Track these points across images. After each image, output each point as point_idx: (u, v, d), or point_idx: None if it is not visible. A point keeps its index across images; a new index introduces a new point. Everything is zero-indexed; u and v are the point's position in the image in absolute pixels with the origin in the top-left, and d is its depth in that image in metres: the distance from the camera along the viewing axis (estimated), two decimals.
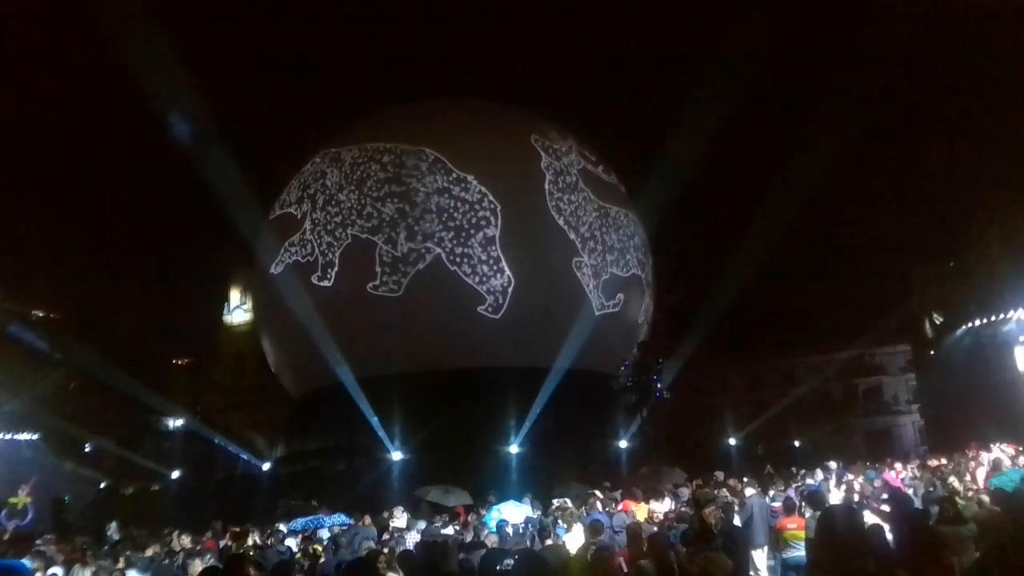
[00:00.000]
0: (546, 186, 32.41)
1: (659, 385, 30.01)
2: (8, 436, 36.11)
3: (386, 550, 11.51)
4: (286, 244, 33.21)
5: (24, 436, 37.26)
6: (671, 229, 39.32)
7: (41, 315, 47.27)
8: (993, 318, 31.82)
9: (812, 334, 50.75)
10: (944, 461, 18.77)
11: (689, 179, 33.80)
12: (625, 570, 8.30)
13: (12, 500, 26.80)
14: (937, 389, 39.24)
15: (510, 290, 30.66)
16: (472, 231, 30.82)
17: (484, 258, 30.69)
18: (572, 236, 32.18)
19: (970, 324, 33.89)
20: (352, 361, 29.35)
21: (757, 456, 33.00)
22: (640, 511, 13.42)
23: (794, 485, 15.39)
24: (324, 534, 14.80)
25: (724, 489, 15.30)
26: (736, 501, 13.26)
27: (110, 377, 35.75)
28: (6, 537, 21.93)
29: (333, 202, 32.21)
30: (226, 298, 57.27)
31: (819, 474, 16.99)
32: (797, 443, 39.90)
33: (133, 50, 28.49)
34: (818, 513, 8.72)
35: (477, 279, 30.57)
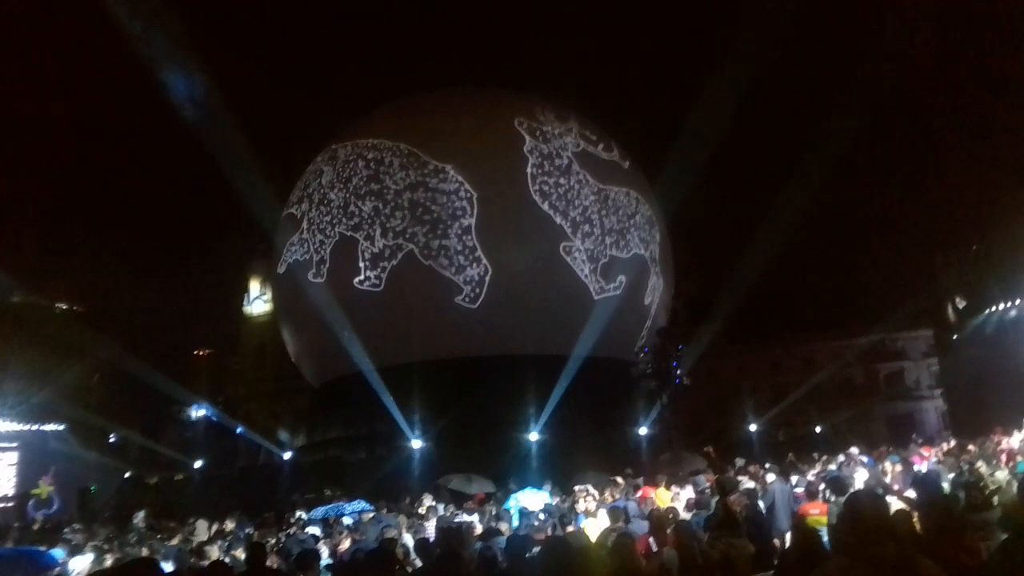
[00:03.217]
0: (529, 170, 31.92)
1: (679, 371, 29.90)
2: (35, 427, 36.61)
3: (405, 537, 11.57)
4: (287, 244, 34.11)
5: (50, 427, 37.77)
6: (690, 215, 38.94)
7: (65, 308, 47.84)
8: (1017, 302, 31.45)
9: (832, 319, 50.37)
10: (971, 447, 18.57)
11: (708, 164, 33.34)
12: (647, 556, 8.28)
13: (35, 491, 27.17)
14: (960, 374, 38.91)
15: (487, 279, 30.53)
16: (450, 222, 30.83)
17: (460, 248, 30.68)
18: (560, 220, 31.72)
19: (993, 308, 33.52)
20: (371, 350, 29.51)
21: (778, 442, 32.89)
22: (663, 498, 13.39)
23: (816, 471, 15.30)
24: (346, 520, 14.87)
25: (746, 475, 15.24)
26: (758, 487, 13.19)
27: (133, 368, 36.11)
28: (36, 527, 22.27)
29: (325, 201, 32.93)
30: (246, 289, 57.59)
31: (841, 459, 16.88)
32: (818, 429, 39.68)
33: (154, 47, 28.65)
34: (841, 499, 8.65)
35: (454, 270, 30.58)
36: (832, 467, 15.71)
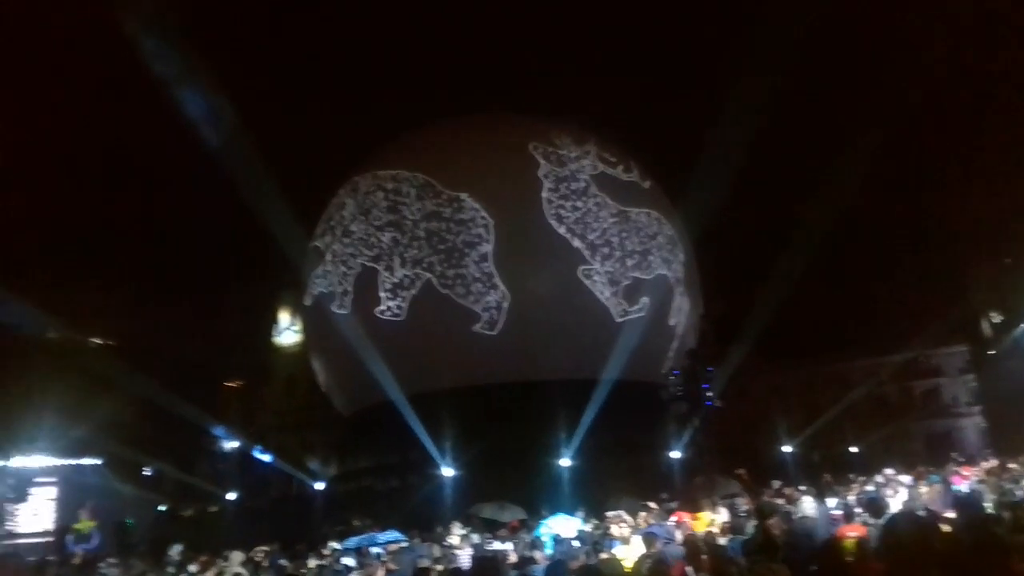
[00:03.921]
0: (544, 194, 32.11)
1: (710, 393, 29.68)
2: (73, 461, 37.08)
3: (438, 567, 11.56)
4: (313, 276, 34.78)
5: (88, 461, 38.23)
6: (717, 233, 38.62)
7: (99, 343, 48.53)
8: None
9: (865, 336, 49.69)
10: (1014, 465, 18.18)
11: (734, 181, 33.01)
12: None
13: (77, 525, 27.43)
14: (999, 389, 38.17)
15: (504, 305, 30.66)
16: (466, 250, 31.08)
17: (478, 275, 30.87)
18: (577, 244, 31.83)
19: None
20: (400, 379, 29.63)
21: (813, 463, 32.40)
22: (701, 522, 13.25)
23: (853, 492, 15.07)
24: (375, 550, 14.85)
25: (782, 498, 15.05)
26: (794, 510, 13.01)
27: (166, 401, 36.49)
28: (76, 561, 22.43)
29: (347, 233, 33.55)
30: (275, 320, 58.09)
31: (878, 480, 16.61)
32: (854, 449, 39.04)
33: (186, 90, 29.24)
34: (880, 521, 8.52)
35: (472, 298, 30.78)
36: (869, 488, 15.46)
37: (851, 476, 19.69)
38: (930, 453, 38.41)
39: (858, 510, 11.24)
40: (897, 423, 45.75)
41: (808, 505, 13.02)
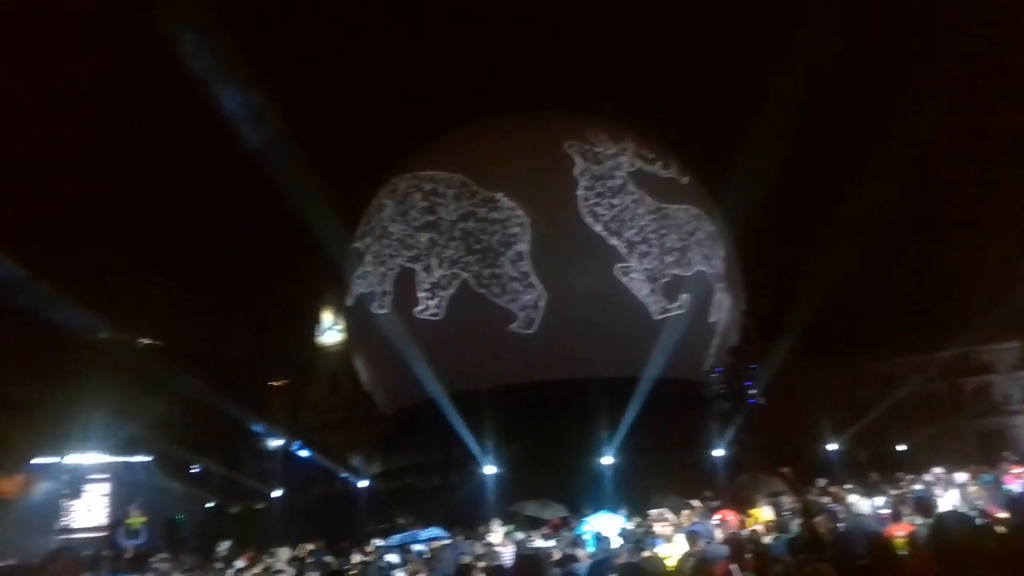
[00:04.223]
0: (579, 192, 32.03)
1: (753, 391, 29.39)
2: (124, 459, 37.97)
3: (481, 564, 11.64)
4: (354, 277, 35.23)
5: (138, 458, 39.14)
6: (759, 228, 38.04)
7: (147, 343, 49.60)
8: None
9: (913, 332, 48.67)
10: None
11: (775, 175, 32.46)
12: None
13: (128, 521, 28.15)
14: None
15: (541, 304, 30.67)
16: (502, 250, 31.16)
17: (514, 275, 30.93)
18: (614, 242, 31.69)
19: None
20: (441, 377, 29.83)
21: (859, 461, 31.86)
22: (754, 517, 13.18)
23: (900, 491, 14.82)
24: (418, 547, 14.98)
25: (827, 496, 14.86)
26: (840, 509, 12.84)
27: (212, 400, 37.17)
28: (128, 556, 23.02)
29: (386, 234, 33.86)
30: (318, 320, 58.78)
31: (927, 478, 16.30)
32: (901, 447, 38.31)
33: (226, 81, 29.71)
34: (928, 520, 8.38)
35: (508, 298, 30.87)
36: (918, 487, 15.19)
37: (899, 475, 19.32)
38: (981, 452, 37.53)
39: (906, 509, 11.07)
40: (946, 421, 44.79)
41: (862, 503, 12.79)
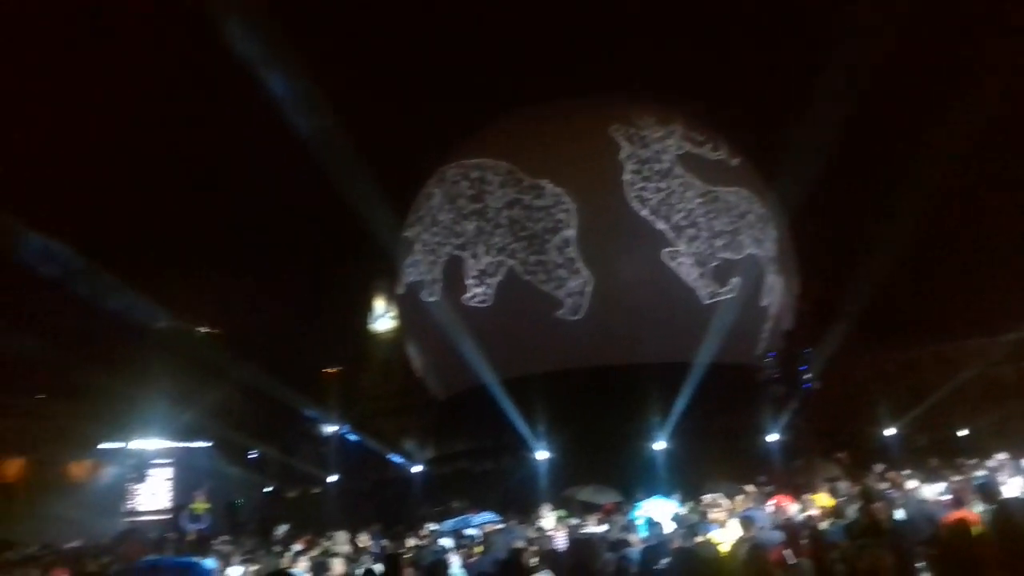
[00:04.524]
0: (625, 177, 31.70)
1: (807, 375, 28.97)
2: (185, 444, 39.10)
3: (534, 548, 11.72)
4: (404, 266, 35.58)
5: (198, 444, 40.26)
6: (814, 209, 37.18)
7: (205, 331, 50.83)
8: None
9: (976, 314, 47.24)
10: None
11: (830, 154, 31.62)
12: (782, 567, 8.10)
13: (192, 506, 29.09)
14: None
15: (588, 290, 30.49)
16: (547, 236, 31.08)
17: (560, 262, 30.83)
18: (661, 226, 31.29)
19: None
20: (493, 363, 30.00)
21: (919, 447, 31.21)
22: (818, 500, 13.06)
23: (962, 477, 14.47)
24: (471, 532, 15.13)
25: (885, 482, 14.60)
26: (899, 495, 12.62)
27: (269, 387, 37.96)
28: (191, 538, 23.77)
29: (434, 223, 34.09)
30: (371, 307, 59.49)
31: (989, 465, 15.87)
32: (963, 432, 37.35)
33: (278, 70, 30.16)
34: (992, 506, 8.19)
35: (554, 284, 30.77)
36: (981, 472, 14.81)
37: (960, 460, 18.86)
38: None
39: (969, 496, 10.81)
40: (1011, 405, 43.48)
41: (925, 489, 12.51)
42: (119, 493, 33.89)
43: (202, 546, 18.51)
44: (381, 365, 57.19)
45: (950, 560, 6.95)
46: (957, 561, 6.63)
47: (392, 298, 48.58)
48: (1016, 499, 9.32)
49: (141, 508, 34.75)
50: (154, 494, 37.48)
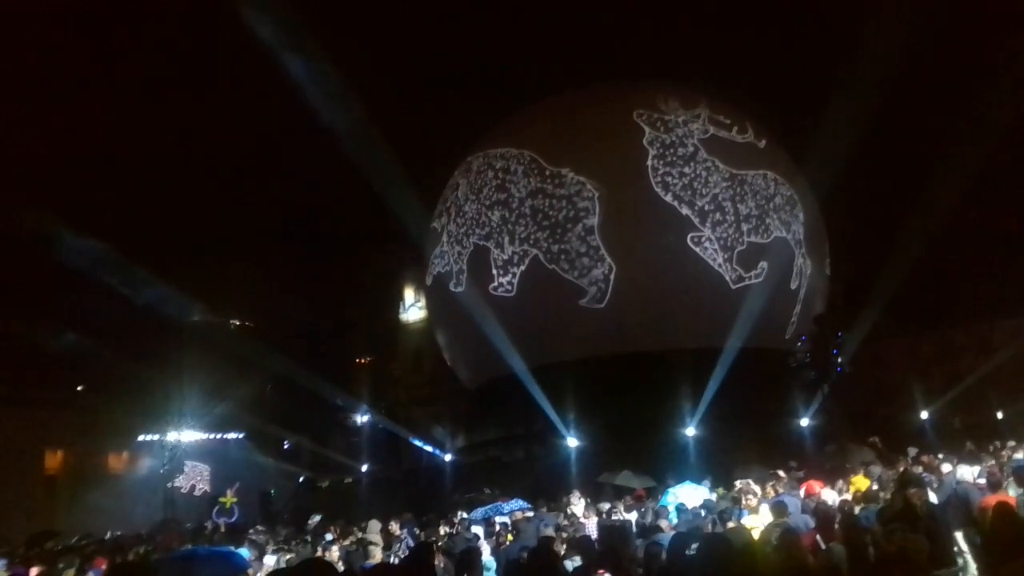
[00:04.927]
0: (649, 162, 31.39)
1: (840, 359, 28.65)
2: (219, 436, 39.65)
3: (564, 535, 11.75)
4: (431, 257, 35.72)
5: (232, 435, 40.79)
6: (846, 190, 36.56)
7: (238, 324, 51.44)
8: None
9: (1011, 294, 46.32)
10: None
11: (861, 133, 30.97)
12: (814, 552, 8.05)
13: (222, 499, 29.57)
14: None
15: (612, 277, 30.33)
16: (570, 225, 30.94)
17: (583, 250, 30.69)
18: (686, 211, 30.99)
19: None
20: (522, 352, 30.03)
21: (954, 430, 30.75)
22: (855, 487, 12.98)
23: (999, 460, 14.27)
24: (501, 519, 15.18)
25: (919, 466, 14.44)
26: (934, 479, 12.47)
27: (301, 378, 38.35)
28: (222, 530, 24.16)
29: (461, 213, 34.19)
30: (401, 297, 59.82)
31: None
32: (999, 415, 36.76)
33: (310, 78, 30.32)
34: None
35: (576, 273, 30.67)
36: (1018, 456, 14.58)
37: (996, 443, 18.56)
38: None
39: (1005, 479, 10.67)
40: None
41: (963, 471, 12.33)
42: (157, 484, 34.49)
43: (237, 536, 18.79)
44: (412, 355, 57.56)
45: (995, 542, 6.87)
46: (1003, 544, 6.55)
47: (421, 288, 48.80)
48: None
49: (177, 499, 35.32)
50: (191, 485, 38.15)
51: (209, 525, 25.96)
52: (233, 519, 28.08)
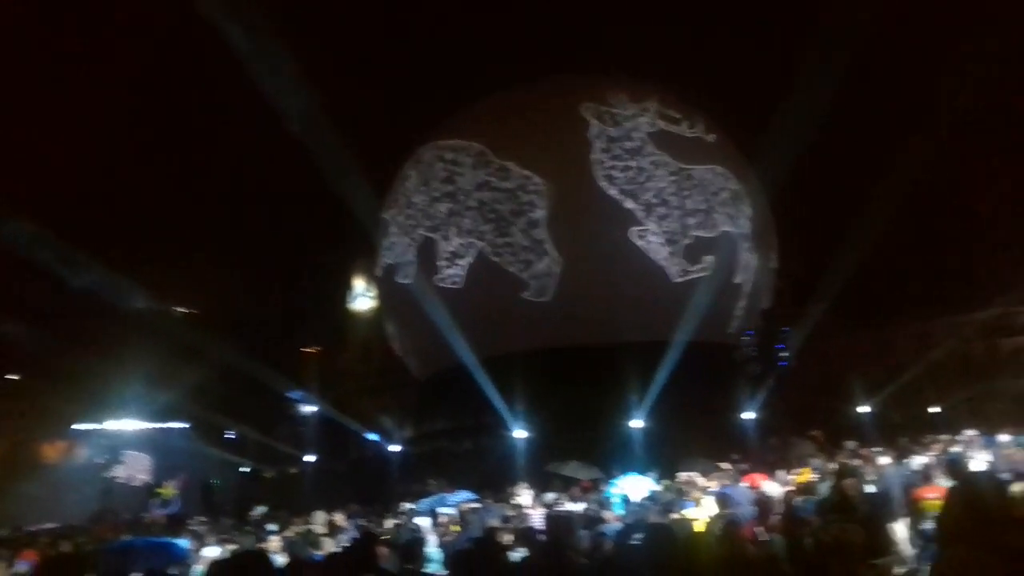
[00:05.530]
0: (594, 156, 31.50)
1: (784, 354, 29.20)
2: (161, 425, 38.80)
3: (510, 526, 11.74)
4: (382, 248, 35.61)
5: (175, 425, 39.96)
6: (795, 188, 37.16)
7: (182, 311, 50.39)
8: None
9: (948, 293, 47.74)
10: None
11: (811, 134, 31.49)
12: (754, 543, 8.15)
13: (159, 490, 28.98)
14: None
15: (556, 271, 30.54)
16: (513, 218, 31.05)
17: (526, 243, 30.83)
18: (630, 205, 31.19)
19: None
20: (471, 343, 29.96)
21: (893, 424, 31.61)
22: (806, 476, 13.22)
23: (933, 453, 14.66)
24: (447, 511, 15.11)
25: (858, 459, 14.76)
26: (871, 471, 12.76)
27: (247, 367, 37.74)
28: (162, 521, 23.69)
29: (409, 205, 34.01)
30: (350, 287, 59.23)
31: (959, 441, 16.11)
32: (935, 409, 37.88)
33: (265, 70, 29.75)
34: (959, 482, 8.26)
35: (520, 266, 30.79)
36: (953, 450, 15.01)
37: (930, 437, 19.11)
38: (1018, 414, 37.00)
39: (937, 471, 10.96)
40: (983, 383, 44.10)
41: (885, 465, 12.69)
42: (93, 474, 33.64)
43: (177, 526, 18.42)
44: (360, 345, 57.06)
45: (945, 527, 7.00)
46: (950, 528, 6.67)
47: (371, 278, 48.36)
48: (981, 473, 9.47)
49: (115, 489, 34.52)
50: (128, 475, 37.27)
51: (147, 516, 25.41)
52: (173, 510, 27.53)
